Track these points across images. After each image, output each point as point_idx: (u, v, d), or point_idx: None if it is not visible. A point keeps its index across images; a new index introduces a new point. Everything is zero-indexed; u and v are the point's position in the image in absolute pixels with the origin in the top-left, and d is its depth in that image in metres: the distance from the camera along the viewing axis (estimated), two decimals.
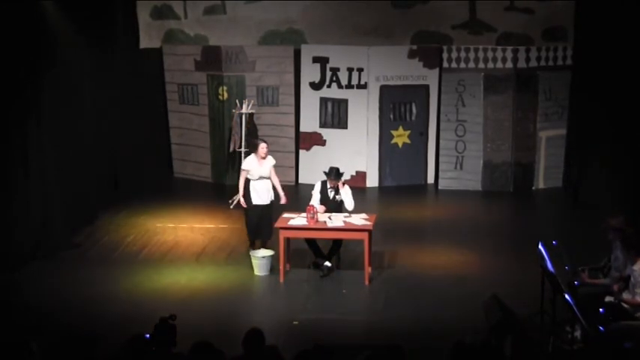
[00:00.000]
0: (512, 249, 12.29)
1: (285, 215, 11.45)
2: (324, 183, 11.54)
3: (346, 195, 11.46)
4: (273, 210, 11.88)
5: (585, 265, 9.55)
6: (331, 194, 11.47)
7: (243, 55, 16.07)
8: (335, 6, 15.86)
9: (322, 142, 16.24)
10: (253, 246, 11.89)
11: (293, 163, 16.30)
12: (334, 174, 11.45)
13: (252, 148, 14.95)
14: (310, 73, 16.15)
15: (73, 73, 13.22)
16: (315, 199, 11.46)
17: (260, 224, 11.83)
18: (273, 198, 11.92)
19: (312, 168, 15.47)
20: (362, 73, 15.94)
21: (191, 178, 16.70)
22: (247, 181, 11.89)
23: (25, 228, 11.72)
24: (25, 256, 11.61)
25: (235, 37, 16.20)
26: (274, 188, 11.96)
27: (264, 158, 11.83)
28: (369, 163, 16.18)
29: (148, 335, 6.59)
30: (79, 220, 13.21)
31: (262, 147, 11.89)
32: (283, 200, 11.97)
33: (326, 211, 11.32)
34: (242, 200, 11.91)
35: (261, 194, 11.82)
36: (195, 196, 15.66)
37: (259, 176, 11.80)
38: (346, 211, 11.42)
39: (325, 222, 11.08)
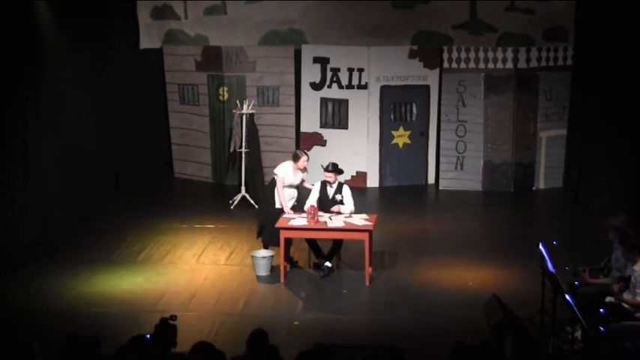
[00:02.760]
0: (513, 249, 12.28)
1: (286, 215, 11.44)
2: (323, 183, 11.53)
3: (347, 196, 11.44)
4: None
5: (585, 266, 9.54)
6: (330, 193, 11.45)
7: (243, 55, 16.08)
8: (335, 6, 15.86)
9: (323, 143, 16.25)
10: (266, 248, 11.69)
11: None
12: (332, 166, 11.42)
13: (253, 149, 15.04)
14: (311, 73, 16.15)
15: (74, 73, 13.23)
16: (312, 198, 11.41)
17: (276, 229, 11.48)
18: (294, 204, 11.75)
19: (313, 168, 15.45)
20: (362, 74, 15.94)
21: (191, 178, 16.70)
22: (273, 184, 11.73)
23: (25, 228, 11.72)
24: (25, 256, 11.61)
25: (236, 38, 16.20)
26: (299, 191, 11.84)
27: (301, 170, 11.65)
28: (369, 163, 16.18)
29: (148, 336, 6.60)
30: (79, 220, 13.21)
31: (303, 159, 11.60)
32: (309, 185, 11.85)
33: (325, 211, 11.30)
34: (287, 210, 11.47)
35: (287, 207, 11.63)
36: (195, 196, 15.66)
37: (289, 184, 11.69)
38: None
39: (326, 222, 11.07)
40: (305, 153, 11.86)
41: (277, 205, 11.66)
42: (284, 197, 11.59)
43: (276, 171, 11.77)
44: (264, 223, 11.72)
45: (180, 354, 6.64)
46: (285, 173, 11.65)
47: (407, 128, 16.25)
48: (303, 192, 11.81)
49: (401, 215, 14.22)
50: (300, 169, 11.69)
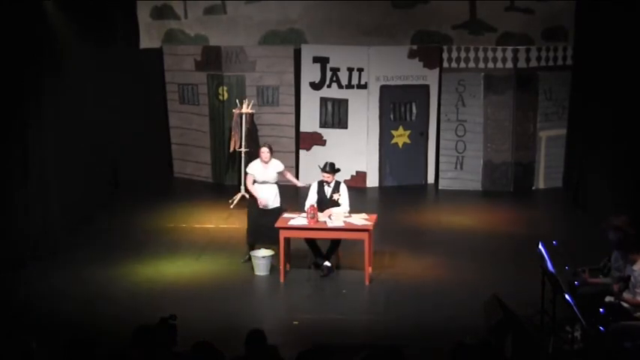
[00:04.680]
0: (512, 249, 12.28)
1: (286, 215, 11.45)
2: (320, 183, 11.52)
3: (344, 195, 11.43)
4: (277, 217, 11.64)
5: (585, 266, 9.54)
6: (328, 193, 11.45)
7: (243, 55, 16.08)
8: (335, 6, 15.86)
9: (322, 142, 16.25)
10: (252, 249, 11.71)
11: (293, 163, 16.30)
12: (329, 167, 11.43)
13: (253, 149, 15.04)
14: (310, 73, 16.15)
15: (74, 73, 13.22)
16: (311, 198, 11.42)
17: (260, 227, 11.60)
18: (278, 205, 11.78)
19: (313, 168, 15.44)
20: (362, 73, 15.94)
21: (191, 178, 16.70)
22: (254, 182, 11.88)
23: (25, 228, 11.72)
24: (25, 256, 11.62)
25: (235, 37, 16.20)
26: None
27: (266, 162, 11.77)
28: (369, 163, 16.18)
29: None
30: (79, 220, 13.21)
31: (262, 151, 11.81)
32: (300, 183, 12.45)
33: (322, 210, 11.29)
34: (260, 201, 11.66)
35: (262, 199, 11.69)
36: (195, 196, 15.66)
37: (263, 180, 11.76)
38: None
39: (325, 222, 11.07)
40: (265, 144, 12.05)
41: (261, 203, 11.76)
42: (255, 190, 11.77)
43: (247, 169, 12.01)
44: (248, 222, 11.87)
45: (181, 354, 6.64)
46: (254, 169, 11.79)
47: (407, 128, 16.25)
48: (304, 192, 11.84)
49: (401, 215, 14.22)
50: (266, 162, 11.73)
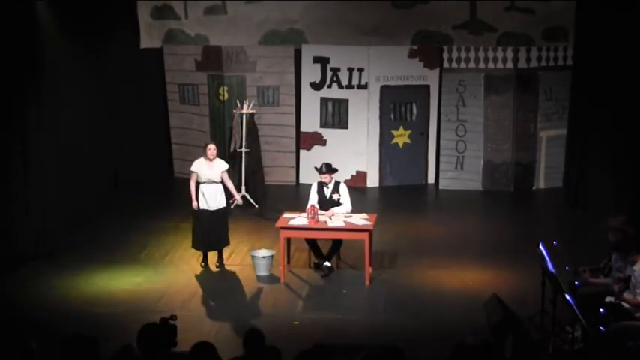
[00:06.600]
0: (513, 249, 12.28)
1: (286, 215, 11.45)
2: (320, 184, 11.51)
3: (344, 195, 11.43)
4: (226, 218, 11.64)
5: (585, 266, 9.54)
6: (328, 193, 11.44)
7: (243, 55, 16.08)
8: (335, 6, 15.85)
9: (323, 142, 16.24)
10: (205, 258, 11.61)
11: (293, 163, 16.31)
12: (325, 167, 11.42)
13: (253, 149, 15.06)
14: (311, 73, 16.15)
15: (74, 73, 13.23)
16: (312, 199, 11.42)
17: (209, 232, 11.47)
18: (224, 205, 11.59)
19: (313, 168, 15.45)
20: (362, 73, 15.94)
21: None
22: (197, 185, 11.51)
23: (25, 228, 11.72)
24: (25, 256, 11.62)
25: (236, 37, 16.20)
26: (228, 192, 11.69)
27: (211, 160, 11.46)
28: (369, 163, 16.18)
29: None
30: (78, 219, 13.22)
31: (209, 148, 11.47)
32: (237, 199, 12.09)
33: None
34: (194, 204, 11.45)
35: (209, 200, 11.43)
36: None
37: (207, 179, 11.43)
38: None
39: (326, 222, 11.07)
40: (212, 142, 11.87)
41: (201, 206, 11.44)
42: (193, 192, 11.44)
43: (191, 167, 11.62)
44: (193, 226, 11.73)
45: (181, 354, 6.64)
46: (198, 167, 11.51)
47: (407, 128, 16.25)
48: (304, 192, 11.81)
49: (401, 215, 14.22)
50: (209, 160, 11.45)
